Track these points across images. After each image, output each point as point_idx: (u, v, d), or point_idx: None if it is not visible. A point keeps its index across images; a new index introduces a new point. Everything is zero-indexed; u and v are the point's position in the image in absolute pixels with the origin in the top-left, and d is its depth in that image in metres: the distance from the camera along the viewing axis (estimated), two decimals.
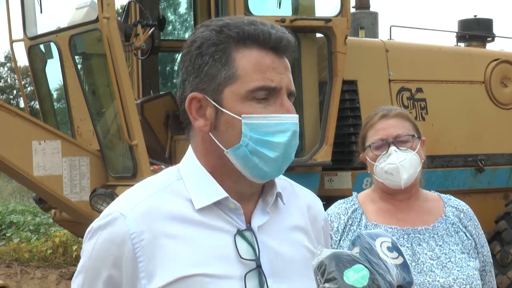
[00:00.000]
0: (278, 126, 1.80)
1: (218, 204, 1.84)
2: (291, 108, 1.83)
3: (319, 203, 2.08)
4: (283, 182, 1.98)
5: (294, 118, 1.82)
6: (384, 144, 2.99)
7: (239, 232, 1.83)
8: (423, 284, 2.88)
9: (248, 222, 1.86)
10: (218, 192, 1.83)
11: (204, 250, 1.80)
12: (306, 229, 1.96)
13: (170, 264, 1.78)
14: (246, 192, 1.87)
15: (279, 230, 1.90)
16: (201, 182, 1.85)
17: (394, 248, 1.86)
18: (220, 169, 1.84)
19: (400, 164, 2.95)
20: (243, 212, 1.85)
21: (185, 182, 1.86)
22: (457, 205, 3.10)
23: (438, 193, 3.16)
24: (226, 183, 1.84)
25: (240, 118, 1.79)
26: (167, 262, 1.78)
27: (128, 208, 1.82)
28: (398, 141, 2.98)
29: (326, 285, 1.74)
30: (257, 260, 1.82)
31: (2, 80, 40.00)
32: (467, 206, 3.12)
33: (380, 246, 1.84)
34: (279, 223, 1.91)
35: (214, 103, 1.81)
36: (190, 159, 1.89)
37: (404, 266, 1.84)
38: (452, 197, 3.14)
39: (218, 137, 1.82)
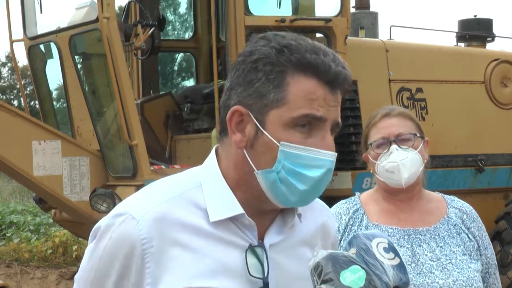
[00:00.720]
0: (315, 161, 1.76)
1: (232, 218, 1.81)
2: (332, 145, 1.78)
3: (332, 218, 2.06)
4: None
5: (332, 155, 1.78)
6: (386, 143, 2.98)
7: (251, 248, 1.81)
8: (422, 286, 2.87)
9: (261, 237, 1.84)
10: (235, 208, 1.80)
11: (212, 263, 1.78)
12: (316, 246, 1.93)
13: (176, 274, 1.76)
14: (266, 210, 1.84)
15: (291, 247, 1.88)
16: (219, 194, 1.82)
17: (391, 248, 1.86)
18: (245, 185, 1.81)
19: (401, 162, 2.94)
20: (258, 227, 1.83)
21: (204, 191, 1.83)
22: (460, 206, 3.07)
23: (442, 194, 3.14)
24: (247, 198, 1.82)
25: (279, 145, 1.75)
26: (174, 271, 1.76)
27: (141, 211, 1.79)
28: (399, 140, 2.97)
29: (323, 286, 1.73)
30: (264, 278, 1.80)
31: (3, 80, 39.97)
32: (471, 208, 3.09)
33: (377, 246, 1.84)
34: (292, 241, 1.89)
35: (256, 122, 1.78)
36: (211, 166, 1.86)
37: (401, 267, 1.84)
38: (456, 198, 3.12)
39: (252, 156, 1.78)
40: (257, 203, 1.82)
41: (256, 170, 1.77)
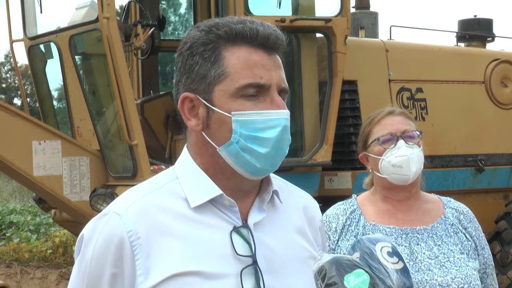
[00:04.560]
0: (268, 122, 1.81)
1: (213, 201, 1.85)
2: (282, 104, 1.83)
3: (315, 204, 2.09)
4: (279, 182, 1.98)
5: (284, 113, 1.83)
6: (393, 138, 3.01)
7: (235, 229, 1.84)
8: (421, 283, 2.90)
9: (245, 219, 1.87)
10: (212, 190, 1.84)
11: (199, 247, 1.81)
12: (303, 229, 1.97)
13: (165, 261, 1.79)
14: (242, 189, 1.88)
15: (275, 228, 1.91)
16: (195, 181, 1.86)
17: (395, 253, 1.86)
18: (214, 167, 1.86)
19: (411, 156, 2.98)
20: (240, 210, 1.86)
21: (180, 181, 1.87)
22: (457, 207, 3.11)
23: (438, 195, 3.17)
24: (220, 180, 1.86)
25: (230, 115, 1.80)
26: (163, 259, 1.79)
27: (123, 207, 1.84)
28: (405, 136, 3.02)
29: None
30: (253, 256, 1.83)
31: (3, 81, 39.95)
32: (467, 208, 3.13)
33: (381, 251, 1.84)
34: (276, 222, 1.92)
35: (205, 102, 1.83)
36: (185, 158, 1.91)
37: (404, 271, 1.84)
38: (452, 199, 3.16)
39: (211, 136, 1.84)
40: (231, 182, 1.86)
41: (218, 148, 1.82)
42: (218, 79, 1.82)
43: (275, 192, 1.92)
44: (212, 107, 1.82)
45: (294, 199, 2.01)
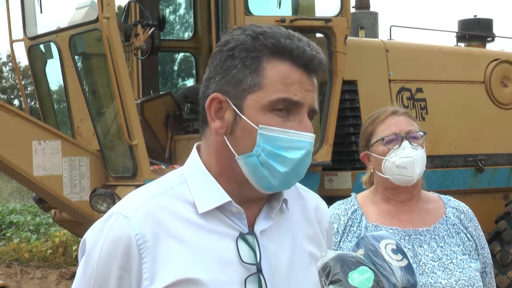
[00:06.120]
0: (293, 143, 1.79)
1: (220, 208, 1.83)
2: (310, 127, 1.81)
3: (324, 205, 2.07)
4: None
5: (310, 137, 1.80)
6: (397, 139, 2.98)
7: (241, 236, 1.83)
8: (425, 286, 2.88)
9: (251, 225, 1.86)
10: (221, 196, 1.83)
11: (204, 254, 1.80)
12: (311, 233, 1.96)
13: (171, 266, 1.78)
14: (251, 197, 1.86)
15: (282, 235, 1.90)
16: (204, 186, 1.84)
17: (399, 250, 1.86)
18: (228, 173, 1.84)
19: (416, 157, 2.96)
20: (247, 215, 1.85)
21: (189, 185, 1.86)
22: (457, 206, 3.09)
23: (438, 194, 3.16)
24: (232, 187, 1.84)
25: (257, 128, 1.78)
26: (169, 264, 1.78)
27: (130, 209, 1.82)
28: (409, 137, 2.99)
29: (331, 286, 1.74)
30: (258, 264, 1.82)
31: (4, 80, 39.93)
32: (467, 207, 3.11)
33: (385, 248, 1.84)
34: (283, 228, 1.91)
35: (234, 107, 1.80)
36: (194, 161, 1.89)
37: (409, 268, 1.84)
38: (452, 198, 3.14)
39: (232, 142, 1.81)
40: (242, 191, 1.84)
41: (237, 156, 1.80)
42: (253, 88, 1.79)
43: (285, 201, 1.91)
44: (241, 115, 1.79)
45: (303, 201, 1.99)
